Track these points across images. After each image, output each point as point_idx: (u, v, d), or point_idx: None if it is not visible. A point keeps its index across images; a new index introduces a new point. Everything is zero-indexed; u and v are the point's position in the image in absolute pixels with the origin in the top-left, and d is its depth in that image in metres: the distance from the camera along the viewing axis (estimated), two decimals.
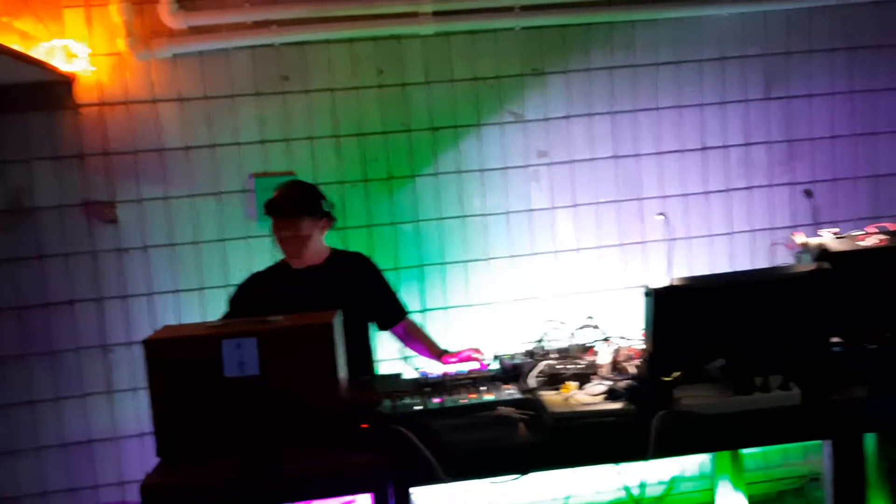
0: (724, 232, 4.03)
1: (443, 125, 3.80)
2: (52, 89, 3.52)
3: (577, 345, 2.63)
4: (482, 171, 3.84)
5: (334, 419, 2.21)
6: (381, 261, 3.47)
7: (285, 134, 3.71)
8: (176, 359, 2.20)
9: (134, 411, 3.68)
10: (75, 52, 3.48)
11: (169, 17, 3.51)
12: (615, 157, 3.92)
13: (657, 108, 3.93)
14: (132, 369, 3.65)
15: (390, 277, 3.33)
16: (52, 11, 3.48)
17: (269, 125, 3.70)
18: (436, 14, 3.67)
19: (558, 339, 2.67)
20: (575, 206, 3.92)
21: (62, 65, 3.42)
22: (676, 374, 2.24)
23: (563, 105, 3.87)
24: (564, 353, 2.58)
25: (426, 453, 2.07)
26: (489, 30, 3.78)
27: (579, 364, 2.45)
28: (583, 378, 2.36)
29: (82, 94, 3.57)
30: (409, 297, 3.62)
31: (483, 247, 3.87)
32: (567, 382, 2.33)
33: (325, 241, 3.06)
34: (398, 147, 3.78)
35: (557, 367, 2.43)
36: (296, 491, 2.10)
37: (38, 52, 3.24)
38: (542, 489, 3.78)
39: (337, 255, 3.10)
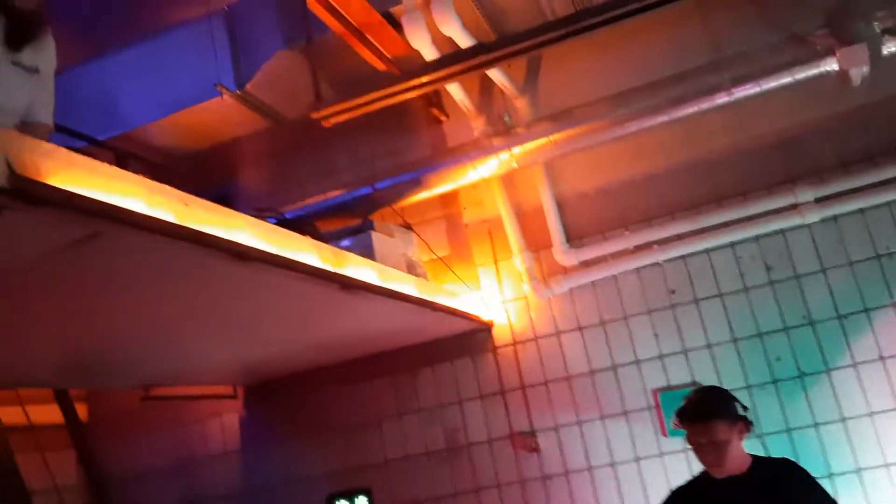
0: None
1: (851, 311, 3.53)
2: (474, 336, 4.10)
3: None
4: None
5: None
6: (809, 468, 3.16)
7: (682, 345, 3.77)
8: None
9: None
10: (490, 302, 4.06)
11: (562, 256, 3.95)
12: None
13: None
14: None
15: (825, 486, 3.01)
16: (469, 271, 4.16)
17: (664, 339, 3.80)
18: (818, 201, 3.59)
19: None
20: None
21: (482, 314, 3.99)
22: None
23: None
24: None
25: None
26: (883, 203, 3.55)
27: None
28: None
29: (498, 336, 4.09)
30: None
31: None
32: None
33: (744, 448, 2.92)
34: (804, 341, 3.58)
35: None
36: None
37: (463, 306, 3.84)
38: None
39: (761, 463, 2.90)
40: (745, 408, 2.89)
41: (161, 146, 4.35)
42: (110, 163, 1.70)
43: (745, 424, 2.87)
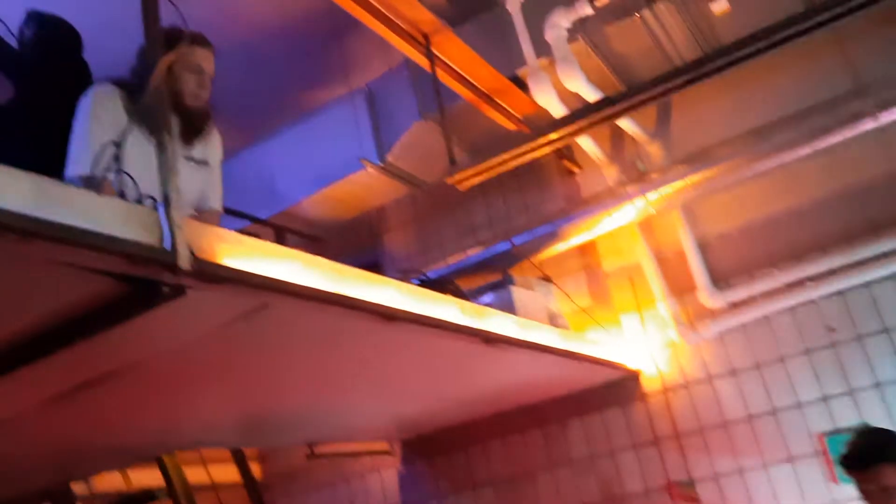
0: None
1: None
2: (622, 385, 4.06)
3: None
4: None
5: None
6: None
7: (847, 386, 3.56)
8: None
9: None
10: (636, 350, 4.02)
11: (708, 299, 3.87)
12: None
13: None
14: None
15: None
16: (611, 320, 4.15)
17: (826, 380, 3.61)
18: None
19: None
20: None
21: (628, 362, 3.96)
22: None
23: None
24: None
25: None
26: None
27: None
28: None
29: (647, 384, 4.04)
30: None
31: None
32: None
33: None
34: None
35: None
36: None
37: (607, 355, 3.83)
38: None
39: None
40: None
41: (314, 219, 4.70)
42: (271, 238, 1.91)
43: None
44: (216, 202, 2.79)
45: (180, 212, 1.63)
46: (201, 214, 2.64)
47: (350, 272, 2.11)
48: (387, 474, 4.67)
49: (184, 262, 1.56)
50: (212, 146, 2.80)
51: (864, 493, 2.71)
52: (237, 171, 4.44)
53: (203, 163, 2.73)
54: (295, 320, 2.12)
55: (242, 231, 2.00)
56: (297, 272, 1.88)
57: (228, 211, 3.90)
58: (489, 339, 2.86)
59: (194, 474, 3.54)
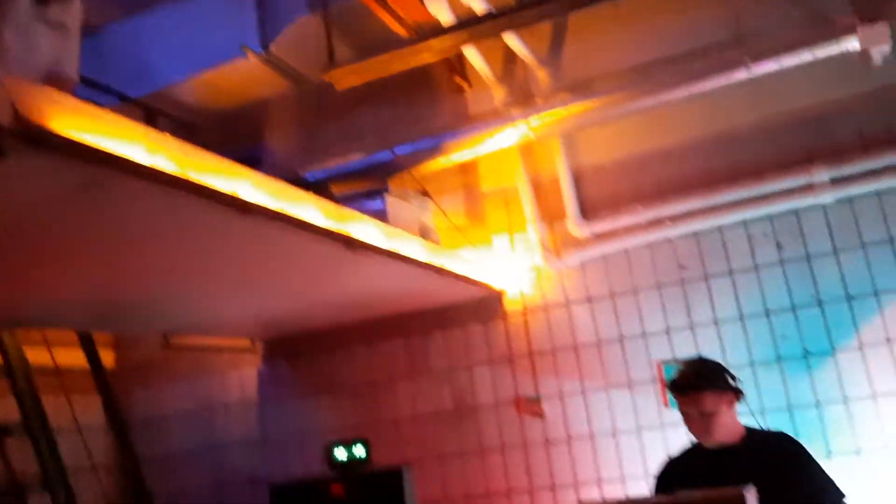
0: None
1: (860, 293, 3.52)
2: (486, 303, 4.18)
3: None
4: None
5: None
6: (810, 446, 3.19)
7: (689, 321, 3.80)
8: None
9: None
10: (503, 271, 4.13)
11: (575, 228, 4.00)
12: None
13: None
14: None
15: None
16: (483, 238, 4.23)
17: (671, 313, 3.83)
18: (834, 182, 3.56)
19: None
20: None
21: (494, 282, 4.07)
22: None
23: None
24: None
25: None
26: None
27: None
28: None
29: (509, 304, 4.17)
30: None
31: None
32: None
33: (740, 420, 2.95)
34: (811, 322, 3.58)
35: None
36: None
37: (473, 273, 3.92)
38: None
39: (755, 435, 2.94)
40: (735, 378, 2.92)
41: (190, 104, 4.47)
42: (141, 120, 1.80)
43: (735, 395, 2.90)
44: (71, 69, 2.62)
45: (7, 68, 1.51)
46: (52, 80, 2.48)
47: (201, 157, 2.03)
48: (246, 372, 4.66)
49: (4, 117, 1.44)
50: (71, 9, 2.60)
51: (686, 415, 2.93)
52: (107, 44, 4.15)
53: (59, 26, 2.54)
54: (139, 203, 2.03)
55: (110, 109, 1.87)
56: (138, 149, 1.78)
57: (94, 84, 3.68)
58: (351, 244, 2.85)
59: (36, 355, 3.42)
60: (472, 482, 4.08)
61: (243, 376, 4.67)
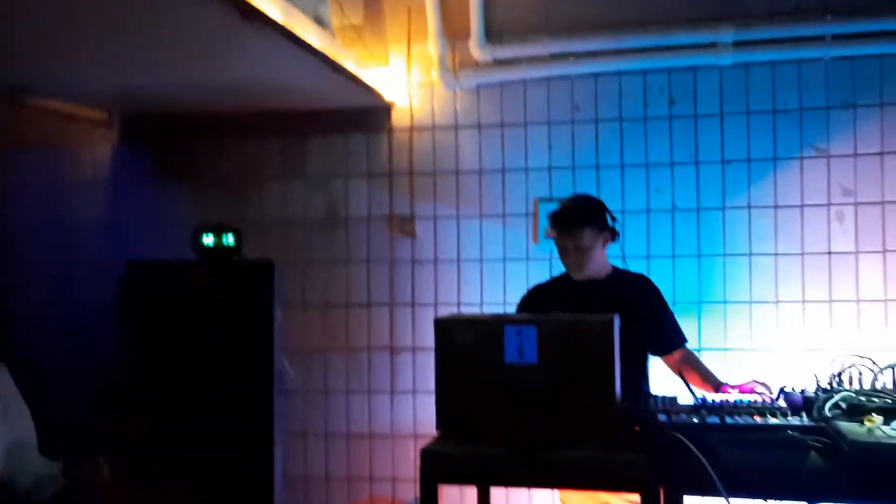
0: None
1: (735, 158, 3.66)
2: (373, 114, 4.00)
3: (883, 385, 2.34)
4: (776, 207, 3.63)
5: (607, 417, 2.19)
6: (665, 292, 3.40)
7: (572, 162, 3.83)
8: (461, 339, 2.33)
9: (411, 413, 3.94)
10: (396, 81, 3.93)
11: (477, 50, 3.83)
12: None
13: None
14: (415, 372, 3.92)
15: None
16: (379, 44, 3.98)
17: (557, 153, 3.84)
18: (736, 44, 3.59)
19: (859, 376, 2.39)
20: (885, 251, 3.53)
21: (386, 92, 3.87)
22: None
23: (876, 141, 3.55)
24: (867, 391, 2.31)
25: (704, 463, 1.96)
26: (793, 60, 3.60)
27: (886, 399, 2.18)
28: (890, 413, 2.10)
29: (397, 119, 4.01)
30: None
31: (771, 289, 3.63)
32: (871, 415, 2.08)
33: (608, 260, 3.07)
34: (685, 179, 3.72)
35: (860, 398, 2.18)
36: (565, 478, 2.10)
37: (365, 77, 3.70)
38: None
39: (619, 274, 3.08)
40: (614, 219, 3.01)
41: None
42: None
43: (611, 234, 3.00)
44: None
45: None
46: None
47: None
48: (100, 149, 4.27)
49: None
50: None
51: (562, 249, 2.99)
52: None
53: None
54: None
55: None
56: None
57: None
58: (248, 14, 2.57)
59: None
60: (333, 290, 4.07)
61: (96, 153, 4.29)
